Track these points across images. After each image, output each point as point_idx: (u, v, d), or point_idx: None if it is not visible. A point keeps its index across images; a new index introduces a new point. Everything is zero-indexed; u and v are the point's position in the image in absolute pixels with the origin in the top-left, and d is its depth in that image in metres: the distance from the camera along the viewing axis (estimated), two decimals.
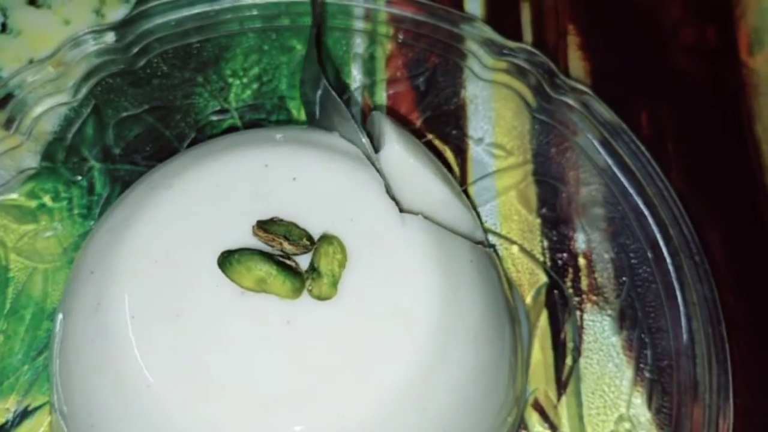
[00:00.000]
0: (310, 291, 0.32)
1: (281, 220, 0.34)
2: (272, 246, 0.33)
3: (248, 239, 0.33)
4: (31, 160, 0.43)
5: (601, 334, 0.41)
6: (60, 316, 0.36)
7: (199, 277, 0.33)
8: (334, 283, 0.32)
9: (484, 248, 0.39)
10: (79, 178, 0.43)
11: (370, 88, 0.46)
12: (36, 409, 0.38)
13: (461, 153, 0.45)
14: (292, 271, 0.32)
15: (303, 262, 0.33)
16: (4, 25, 0.48)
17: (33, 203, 0.42)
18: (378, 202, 0.35)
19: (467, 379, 0.34)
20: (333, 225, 0.34)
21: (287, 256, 0.33)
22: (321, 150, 0.37)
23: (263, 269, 0.32)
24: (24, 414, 0.38)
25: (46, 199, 0.43)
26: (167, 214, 0.34)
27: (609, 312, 0.42)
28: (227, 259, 0.32)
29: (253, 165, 0.35)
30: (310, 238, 0.33)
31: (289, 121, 0.45)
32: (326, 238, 0.33)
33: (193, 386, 0.31)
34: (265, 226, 0.33)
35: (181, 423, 0.30)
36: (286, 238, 0.33)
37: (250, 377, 0.31)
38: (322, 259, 0.33)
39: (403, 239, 0.34)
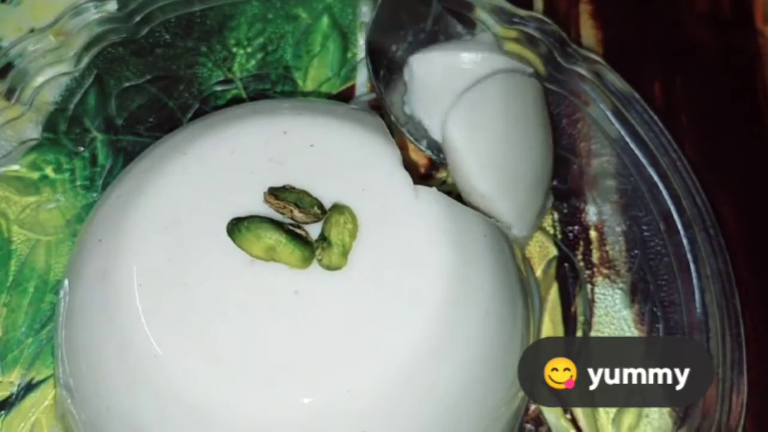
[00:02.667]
0: (319, 261, 0.32)
1: (293, 188, 0.33)
2: (283, 214, 0.32)
3: (260, 207, 0.33)
4: (32, 131, 0.42)
5: (612, 308, 0.41)
6: (66, 285, 0.36)
7: (208, 245, 0.32)
8: (344, 254, 0.32)
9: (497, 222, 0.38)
10: (82, 149, 0.42)
11: None
12: (40, 382, 0.38)
13: None
14: (302, 240, 0.32)
15: (314, 231, 0.32)
16: None
17: (35, 175, 0.42)
18: (392, 173, 0.34)
19: (477, 356, 0.33)
20: (345, 194, 0.33)
21: (298, 225, 0.32)
22: (340, 119, 0.36)
23: (273, 237, 0.31)
24: (28, 387, 0.38)
25: (48, 171, 0.42)
26: (179, 181, 0.34)
27: (620, 285, 0.41)
28: (236, 227, 0.31)
29: (272, 131, 0.35)
30: (321, 206, 0.33)
31: (294, 92, 0.44)
32: (337, 208, 0.33)
33: (200, 356, 0.30)
34: (276, 193, 0.32)
35: (187, 393, 0.30)
36: (297, 206, 0.32)
37: (258, 348, 0.30)
38: (333, 228, 0.32)
39: (415, 211, 0.33)
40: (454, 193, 0.41)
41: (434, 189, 0.34)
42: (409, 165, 0.41)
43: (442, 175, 0.42)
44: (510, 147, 0.38)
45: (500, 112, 0.38)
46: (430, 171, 0.42)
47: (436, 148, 0.40)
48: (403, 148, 0.41)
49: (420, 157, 0.43)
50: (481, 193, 0.37)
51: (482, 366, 0.33)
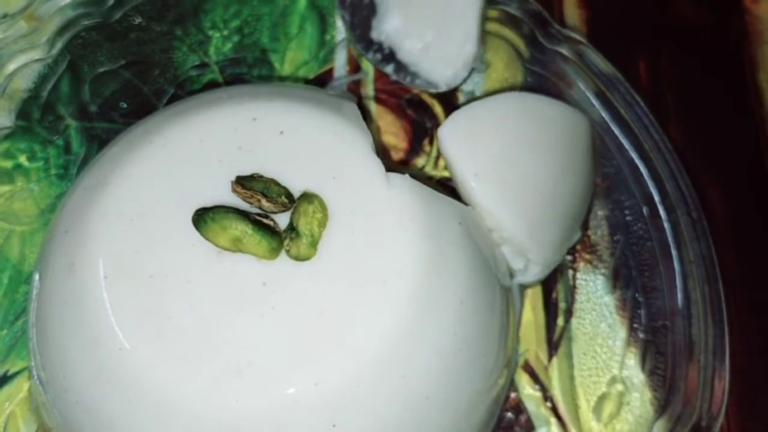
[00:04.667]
0: (287, 251, 0.31)
1: (261, 176, 0.32)
2: (251, 203, 0.32)
3: (228, 196, 0.32)
4: (5, 119, 0.41)
5: (593, 294, 0.40)
6: (36, 277, 0.35)
7: (174, 237, 0.32)
8: (313, 244, 0.31)
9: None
10: (56, 137, 0.42)
11: None
12: (15, 374, 0.37)
13: (451, 106, 0.43)
14: (270, 230, 0.31)
15: (283, 221, 0.32)
16: None
17: (8, 163, 0.41)
18: (364, 160, 0.33)
19: (451, 346, 0.32)
20: (316, 182, 0.33)
21: (265, 215, 0.32)
22: (312, 104, 0.35)
23: (239, 228, 0.30)
24: (3, 380, 0.37)
25: (22, 159, 0.41)
26: (145, 171, 0.33)
27: (602, 271, 0.40)
28: (202, 218, 0.31)
29: (241, 118, 0.34)
30: (289, 195, 0.32)
31: (271, 76, 0.43)
32: (306, 197, 0.32)
33: (167, 349, 0.30)
34: (243, 182, 0.32)
35: (154, 386, 0.30)
36: (264, 195, 0.31)
37: (225, 340, 0.30)
38: (301, 218, 0.31)
39: (387, 200, 0.33)
40: (433, 180, 0.41)
41: (407, 176, 0.33)
42: (383, 151, 0.40)
43: (419, 162, 0.42)
44: (519, 167, 0.37)
45: (510, 130, 0.37)
46: (406, 158, 0.42)
47: (403, 70, 0.41)
48: (377, 134, 0.41)
49: (398, 141, 0.42)
50: (476, 201, 0.36)
51: (457, 356, 0.33)
